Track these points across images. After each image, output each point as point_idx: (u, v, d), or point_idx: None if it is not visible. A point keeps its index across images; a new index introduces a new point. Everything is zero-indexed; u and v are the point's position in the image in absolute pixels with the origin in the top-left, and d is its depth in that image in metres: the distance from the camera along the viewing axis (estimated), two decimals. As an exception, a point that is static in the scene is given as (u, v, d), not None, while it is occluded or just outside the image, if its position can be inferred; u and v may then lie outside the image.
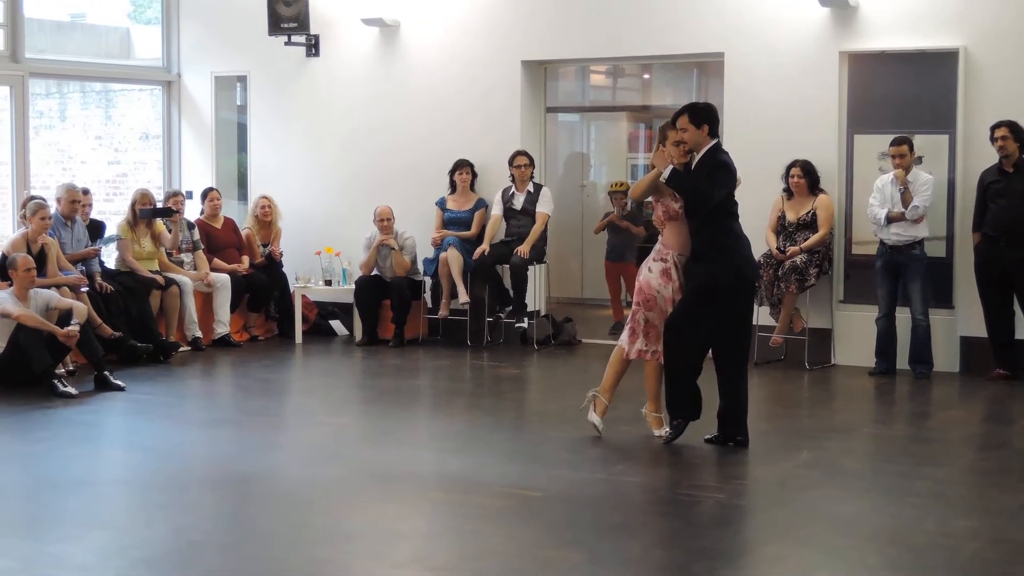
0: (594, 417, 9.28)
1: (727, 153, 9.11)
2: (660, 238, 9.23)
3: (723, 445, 9.07)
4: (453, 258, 13.83)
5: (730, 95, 13.21)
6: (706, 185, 8.85)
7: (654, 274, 9.10)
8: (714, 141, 8.98)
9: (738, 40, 13.12)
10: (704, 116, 8.95)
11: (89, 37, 16.56)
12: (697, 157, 8.94)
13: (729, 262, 8.98)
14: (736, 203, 9.06)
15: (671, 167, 8.89)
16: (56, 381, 11.10)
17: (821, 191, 12.59)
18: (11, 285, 11.52)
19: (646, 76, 19.15)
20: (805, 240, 12.44)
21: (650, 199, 9.48)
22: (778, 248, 12.52)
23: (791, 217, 12.59)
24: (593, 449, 9.07)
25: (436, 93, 14.60)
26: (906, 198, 11.89)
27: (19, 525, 7.53)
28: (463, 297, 13.78)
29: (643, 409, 9.41)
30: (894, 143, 11.98)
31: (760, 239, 12.63)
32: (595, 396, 9.33)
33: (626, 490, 8.15)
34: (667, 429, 9.17)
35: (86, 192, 13.57)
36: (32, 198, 12.65)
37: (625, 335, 9.30)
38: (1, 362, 11.33)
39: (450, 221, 14.22)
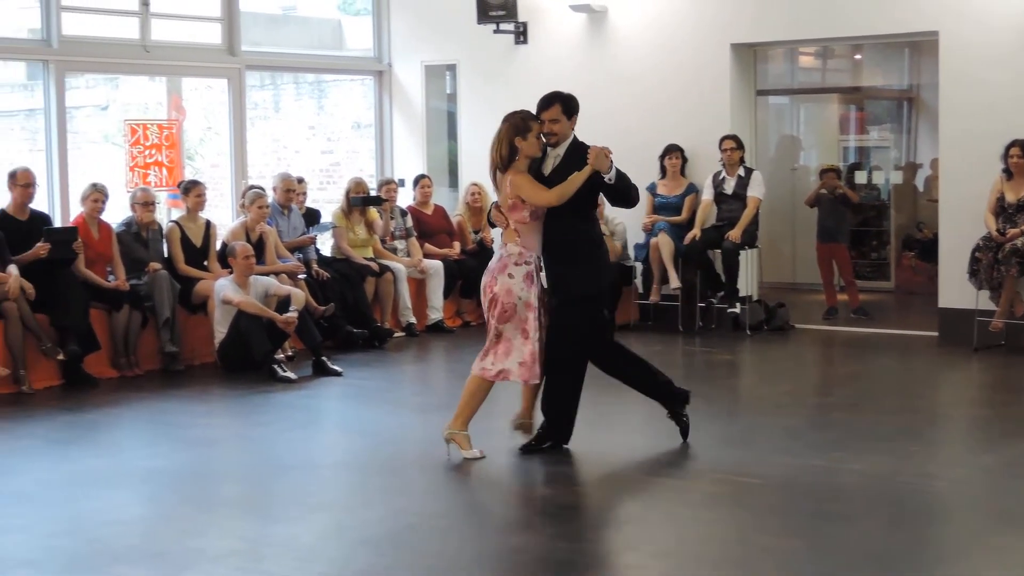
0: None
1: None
2: (512, 243, 8.43)
3: None
4: (664, 243, 13.78)
5: (946, 75, 12.91)
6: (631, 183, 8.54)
7: (516, 279, 8.35)
8: (574, 133, 8.62)
9: (953, 18, 12.79)
10: (575, 107, 8.59)
11: (301, 29, 16.89)
12: (563, 148, 8.50)
13: (605, 261, 8.71)
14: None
15: (614, 168, 8.29)
16: (276, 366, 11.37)
17: (1043, 171, 12.24)
18: (231, 273, 11.83)
19: (857, 57, 18.82)
20: (1027, 222, 12.13)
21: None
22: (998, 230, 12.19)
23: (1011, 198, 12.25)
24: (810, 436, 8.96)
25: (644, 78, 14.53)
26: None
27: (245, 507, 7.77)
28: (674, 282, 13.71)
29: (446, 430, 8.53)
30: (1121, 121, 11.59)
31: (979, 221, 12.35)
32: (520, 423, 8.75)
33: (845, 478, 8.02)
34: (479, 450, 8.49)
35: (300, 181, 13.81)
36: (251, 187, 12.94)
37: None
38: (223, 347, 11.66)
39: (660, 206, 14.16)
